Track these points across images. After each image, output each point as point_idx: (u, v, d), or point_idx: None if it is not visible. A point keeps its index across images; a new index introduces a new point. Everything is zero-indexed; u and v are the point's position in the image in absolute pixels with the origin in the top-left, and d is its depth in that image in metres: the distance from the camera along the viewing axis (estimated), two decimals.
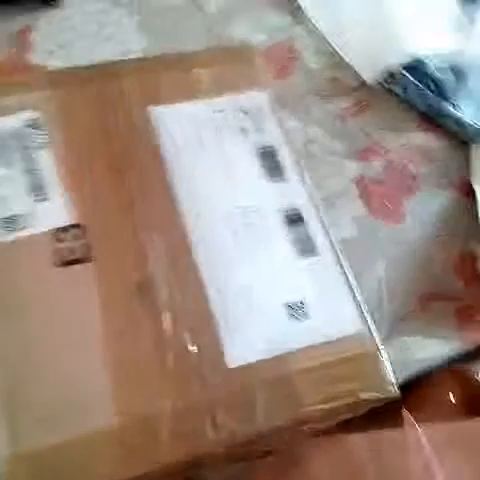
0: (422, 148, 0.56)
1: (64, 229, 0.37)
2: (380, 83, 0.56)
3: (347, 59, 0.57)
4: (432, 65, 0.57)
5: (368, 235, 0.50)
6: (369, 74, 0.56)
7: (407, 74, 0.56)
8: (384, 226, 0.51)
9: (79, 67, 0.44)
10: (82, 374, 0.33)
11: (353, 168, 0.53)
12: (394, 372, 0.34)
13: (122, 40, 0.56)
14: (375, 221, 0.51)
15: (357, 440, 0.99)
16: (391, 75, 0.56)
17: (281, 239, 0.38)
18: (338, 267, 0.38)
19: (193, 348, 0.34)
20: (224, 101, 0.44)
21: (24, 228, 0.36)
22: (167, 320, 0.35)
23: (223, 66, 0.46)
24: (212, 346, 0.34)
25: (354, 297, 0.37)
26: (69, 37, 0.54)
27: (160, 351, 0.34)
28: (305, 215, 0.40)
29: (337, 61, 0.58)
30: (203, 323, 0.35)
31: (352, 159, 0.54)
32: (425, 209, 0.52)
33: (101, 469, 0.31)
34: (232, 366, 0.34)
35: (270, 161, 0.42)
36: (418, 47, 0.56)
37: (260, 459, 0.40)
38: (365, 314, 0.36)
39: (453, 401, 0.45)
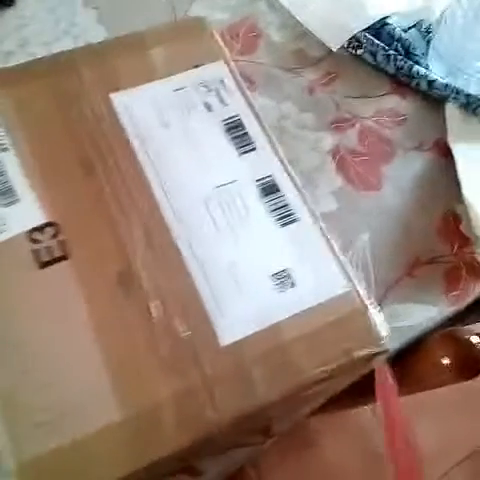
0: (395, 112, 0.55)
1: (38, 229, 0.36)
2: (347, 51, 0.55)
3: (311, 30, 0.56)
4: (398, 26, 0.56)
5: (348, 207, 0.50)
6: (335, 43, 0.55)
7: (373, 38, 0.55)
8: (364, 196, 0.51)
9: (31, 62, 0.42)
10: (77, 374, 0.33)
11: (327, 140, 0.53)
12: (386, 326, 0.35)
13: (81, 33, 0.54)
14: (354, 192, 0.51)
15: (362, 413, 1.02)
16: (357, 41, 0.55)
17: (259, 211, 0.38)
18: (318, 231, 0.38)
19: (184, 332, 0.34)
20: (183, 78, 0.43)
21: None
22: (154, 307, 0.35)
23: (177, 42, 0.45)
24: (203, 327, 0.34)
25: (337, 258, 0.37)
26: (27, 36, 0.52)
27: (152, 339, 0.34)
28: (280, 183, 0.39)
29: (301, 33, 0.57)
30: (191, 305, 0.35)
31: (326, 131, 0.54)
32: (404, 174, 0.52)
33: (109, 465, 0.31)
34: (225, 343, 0.34)
35: (238, 133, 0.41)
36: (382, 9, 0.55)
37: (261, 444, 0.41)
38: (349, 273, 0.36)
39: (446, 364, 0.46)
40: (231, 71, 0.44)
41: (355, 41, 0.56)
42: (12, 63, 0.50)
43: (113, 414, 0.32)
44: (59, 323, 0.34)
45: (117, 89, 0.42)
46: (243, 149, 0.40)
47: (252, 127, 0.41)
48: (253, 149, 0.41)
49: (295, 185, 0.39)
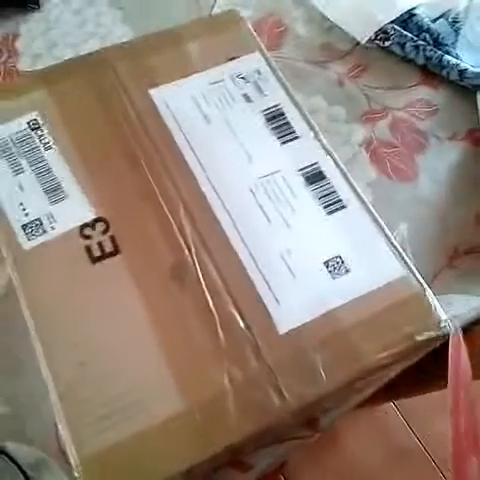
0: (426, 103, 0.54)
1: (89, 225, 0.36)
2: (374, 43, 0.55)
3: (338, 23, 0.55)
4: (426, 17, 0.55)
5: (385, 199, 0.49)
6: (362, 35, 0.54)
7: (401, 30, 0.54)
8: (399, 187, 0.50)
9: (68, 61, 0.43)
10: (137, 367, 0.32)
11: (360, 133, 0.52)
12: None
13: (107, 34, 0.54)
14: (389, 184, 0.50)
15: (387, 410, 1.00)
16: (384, 33, 0.54)
17: (306, 199, 0.38)
18: (368, 216, 0.37)
19: (242, 321, 0.34)
20: (220, 71, 0.43)
21: (49, 230, 0.36)
22: (210, 299, 0.34)
23: (212, 36, 0.45)
24: (260, 316, 0.34)
25: (390, 242, 0.36)
26: (54, 38, 0.53)
27: (210, 330, 0.33)
28: (325, 170, 0.39)
29: (328, 27, 0.56)
30: (246, 294, 0.35)
31: (357, 123, 0.53)
32: (438, 164, 0.51)
33: (175, 457, 0.31)
34: (283, 331, 0.33)
35: (279, 123, 0.41)
36: (409, 0, 0.54)
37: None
38: (404, 257, 0.36)
39: None
40: (267, 62, 0.44)
41: (382, 33, 0.55)
42: (40, 66, 0.51)
43: (176, 405, 0.31)
44: (115, 317, 0.34)
45: (155, 84, 0.42)
46: (285, 138, 0.40)
47: (293, 116, 0.41)
48: (295, 138, 0.40)
49: (341, 171, 0.39)
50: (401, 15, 0.55)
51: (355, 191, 0.38)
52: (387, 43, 0.55)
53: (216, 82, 0.42)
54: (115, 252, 0.35)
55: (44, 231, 0.36)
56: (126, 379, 0.32)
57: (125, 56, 0.43)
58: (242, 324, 0.34)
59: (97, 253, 0.35)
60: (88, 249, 0.35)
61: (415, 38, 0.55)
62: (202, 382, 0.32)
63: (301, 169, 0.39)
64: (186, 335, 0.33)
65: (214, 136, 0.40)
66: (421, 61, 0.55)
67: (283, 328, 0.34)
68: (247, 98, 0.42)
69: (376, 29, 0.54)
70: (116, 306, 0.34)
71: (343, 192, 0.38)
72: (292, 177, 0.39)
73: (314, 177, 0.39)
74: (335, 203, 0.38)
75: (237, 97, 0.42)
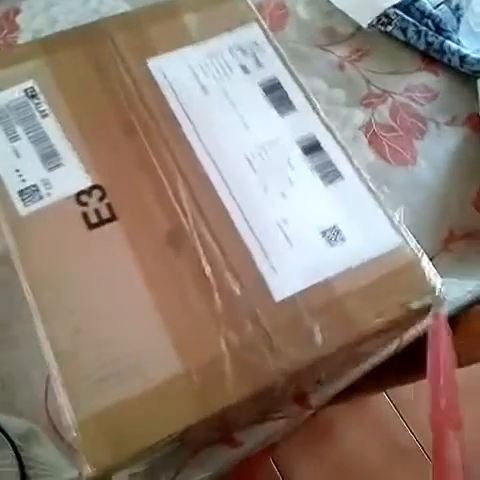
0: (427, 88, 0.55)
1: (85, 192, 0.36)
2: (376, 27, 0.55)
3: (340, 6, 0.55)
4: (428, 2, 0.55)
5: (382, 182, 0.49)
6: (364, 19, 0.54)
7: (403, 14, 0.54)
8: (397, 171, 0.50)
9: (65, 31, 0.42)
10: (135, 331, 0.32)
11: (359, 116, 0.52)
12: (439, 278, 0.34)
13: (109, 12, 0.53)
14: (388, 167, 0.50)
15: (383, 404, 1.01)
16: (387, 17, 0.54)
17: (304, 169, 0.38)
18: (364, 187, 0.38)
19: (238, 287, 0.34)
20: (218, 42, 0.43)
21: (46, 196, 0.35)
22: (206, 264, 0.34)
23: (209, 7, 0.44)
24: (256, 283, 0.34)
25: (385, 212, 0.37)
26: (55, 15, 0.52)
27: (206, 296, 0.34)
28: (322, 142, 0.39)
29: (329, 10, 0.56)
30: (242, 262, 0.35)
31: (357, 107, 0.53)
32: (437, 149, 0.51)
33: (172, 418, 0.31)
34: (280, 299, 0.34)
35: (277, 94, 0.41)
36: None
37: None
38: (400, 227, 0.36)
39: None
40: (265, 34, 0.43)
41: (385, 18, 0.55)
42: None
43: (173, 368, 0.31)
44: (112, 283, 0.34)
45: (153, 55, 0.42)
46: (283, 109, 0.40)
47: (290, 87, 0.41)
48: (293, 109, 0.40)
49: (338, 143, 0.39)
50: (404, 0, 0.54)
51: (351, 162, 0.39)
52: (389, 28, 0.55)
53: (214, 53, 0.42)
54: (112, 218, 0.35)
55: (40, 197, 0.36)
56: (123, 344, 0.32)
57: (123, 26, 0.42)
58: (238, 290, 0.34)
59: (94, 220, 0.35)
60: (85, 215, 0.35)
61: (417, 23, 0.55)
62: (199, 346, 0.32)
63: (298, 139, 0.39)
64: (183, 300, 0.33)
65: (211, 106, 0.40)
66: (422, 46, 0.55)
67: (279, 295, 0.34)
68: (245, 69, 0.42)
69: (379, 13, 0.54)
70: (113, 272, 0.34)
71: (340, 163, 0.38)
72: (289, 147, 0.39)
73: (311, 148, 0.39)
74: (332, 174, 0.38)
75: (235, 68, 0.42)
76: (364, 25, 0.54)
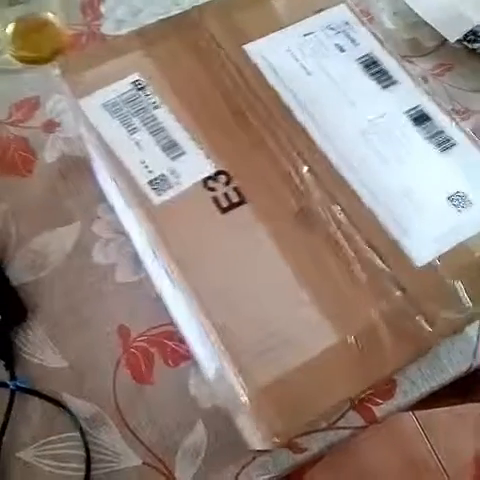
0: None
1: (212, 178, 0.36)
2: (462, 43, 0.54)
3: (427, 19, 0.54)
4: None
5: None
6: (451, 34, 0.53)
7: None
8: None
9: (161, 21, 0.43)
10: (285, 307, 0.33)
11: None
12: None
13: (190, 6, 0.53)
14: None
15: (404, 418, 0.99)
16: (474, 34, 0.54)
17: (417, 139, 0.38)
18: (478, 151, 0.38)
19: (377, 258, 0.34)
20: (310, 23, 0.43)
21: (175, 185, 0.36)
22: (341, 239, 0.35)
23: None
24: (395, 251, 0.35)
25: None
26: (139, 5, 0.52)
27: (348, 268, 0.34)
28: (429, 112, 0.40)
29: (415, 21, 0.55)
30: (376, 233, 0.35)
31: None
32: None
33: (338, 387, 0.31)
34: (421, 264, 0.34)
35: (376, 69, 0.41)
36: None
37: None
38: None
39: None
40: (354, 13, 0.44)
41: (472, 34, 0.55)
42: (124, 31, 0.50)
43: (331, 338, 0.32)
44: (254, 262, 0.34)
45: (248, 40, 0.42)
46: (385, 83, 0.41)
47: (388, 62, 0.42)
48: (394, 82, 0.41)
49: (444, 111, 0.40)
50: None
51: (460, 128, 0.39)
52: (476, 45, 0.54)
53: (308, 34, 0.43)
54: (242, 202, 0.36)
55: (170, 186, 0.36)
56: (276, 319, 0.33)
57: (216, 15, 0.43)
58: (378, 260, 0.34)
59: (225, 204, 0.36)
60: (215, 200, 0.36)
61: None
62: (351, 316, 0.33)
63: (406, 111, 0.40)
64: (324, 274, 0.34)
65: (315, 85, 0.40)
66: None
67: (419, 261, 0.34)
68: (340, 48, 0.42)
69: (467, 29, 0.53)
70: (252, 252, 0.34)
71: (450, 131, 0.39)
72: (399, 119, 0.39)
73: (420, 118, 0.39)
74: (445, 142, 0.39)
75: (330, 47, 0.42)
76: (451, 40, 0.54)
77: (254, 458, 0.38)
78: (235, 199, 0.36)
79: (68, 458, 0.38)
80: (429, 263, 0.34)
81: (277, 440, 0.29)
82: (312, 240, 0.35)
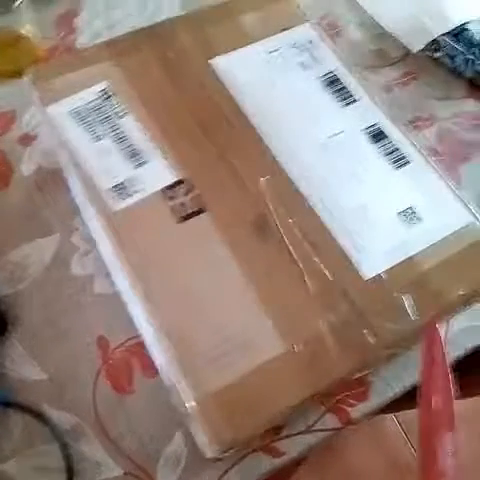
0: (473, 115, 0.55)
1: (172, 187, 0.38)
2: (426, 53, 0.56)
3: (391, 30, 0.56)
4: (477, 32, 0.55)
5: None
6: (415, 44, 0.55)
7: (452, 42, 0.55)
8: None
9: (133, 32, 0.44)
10: (237, 314, 0.34)
11: None
12: None
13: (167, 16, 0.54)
14: None
15: (387, 420, 1.00)
16: (436, 44, 0.55)
17: (374, 156, 0.40)
18: (431, 169, 0.40)
19: (326, 270, 0.36)
20: (276, 41, 0.45)
21: (135, 193, 0.37)
22: (294, 250, 0.36)
23: (264, 8, 0.47)
24: (343, 264, 0.36)
25: (455, 193, 0.39)
26: (115, 18, 0.53)
27: (299, 279, 0.35)
28: (386, 130, 0.41)
29: (381, 32, 0.57)
30: (327, 245, 0.37)
31: None
32: None
33: (284, 393, 0.32)
34: (369, 277, 0.35)
35: (337, 87, 0.43)
36: (462, 14, 0.55)
37: None
38: (469, 206, 0.38)
39: None
40: (318, 33, 0.46)
41: (434, 44, 0.56)
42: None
43: (280, 346, 0.33)
44: (211, 270, 0.35)
45: (216, 54, 0.43)
46: (345, 101, 0.42)
47: (348, 81, 0.43)
48: (354, 100, 0.42)
49: (400, 130, 0.41)
50: (453, 28, 0.55)
51: (416, 148, 0.41)
52: (438, 54, 0.56)
53: (273, 51, 0.44)
54: (200, 211, 0.37)
55: (131, 194, 0.37)
56: (229, 325, 0.34)
57: (187, 27, 0.44)
58: (328, 272, 0.36)
59: (183, 213, 0.37)
60: (174, 209, 0.37)
61: (465, 52, 0.55)
62: (299, 325, 0.34)
63: (364, 129, 0.41)
64: (277, 284, 0.35)
65: (278, 101, 0.42)
66: (470, 74, 0.55)
67: (367, 274, 0.36)
68: (303, 66, 0.44)
69: (429, 40, 0.55)
70: (209, 260, 0.35)
71: (405, 149, 0.41)
72: (357, 136, 0.41)
73: (378, 136, 0.41)
74: (401, 159, 0.40)
75: (294, 65, 0.44)
76: (414, 50, 0.55)
77: (233, 465, 0.38)
78: (195, 208, 0.37)
79: (50, 470, 0.38)
80: (376, 277, 0.36)
81: (224, 446, 0.30)
82: (266, 250, 0.36)
